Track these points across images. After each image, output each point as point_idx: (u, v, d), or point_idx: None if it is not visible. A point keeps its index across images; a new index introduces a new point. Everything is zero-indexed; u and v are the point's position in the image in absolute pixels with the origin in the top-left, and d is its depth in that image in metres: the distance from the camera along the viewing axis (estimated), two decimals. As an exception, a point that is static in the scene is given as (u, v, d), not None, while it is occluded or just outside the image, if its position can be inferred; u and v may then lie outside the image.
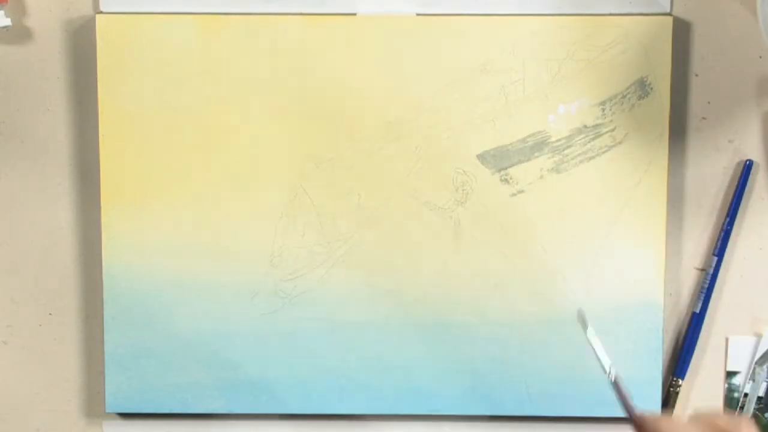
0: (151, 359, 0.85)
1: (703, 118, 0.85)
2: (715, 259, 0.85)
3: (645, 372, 0.81)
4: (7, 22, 0.82)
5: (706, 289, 0.85)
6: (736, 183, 0.85)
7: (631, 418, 0.72)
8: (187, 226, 0.84)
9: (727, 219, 0.84)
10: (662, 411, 0.85)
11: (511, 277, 0.85)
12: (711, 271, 0.85)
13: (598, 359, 0.75)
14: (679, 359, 0.86)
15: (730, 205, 0.84)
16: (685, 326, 0.86)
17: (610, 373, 0.74)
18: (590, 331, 0.75)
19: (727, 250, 0.85)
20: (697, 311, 0.85)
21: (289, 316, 0.85)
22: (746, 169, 0.84)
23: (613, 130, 0.83)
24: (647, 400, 0.85)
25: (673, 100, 0.84)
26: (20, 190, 0.86)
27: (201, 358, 0.85)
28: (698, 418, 0.71)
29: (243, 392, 0.85)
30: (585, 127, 0.83)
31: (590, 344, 0.75)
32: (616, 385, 0.73)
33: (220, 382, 0.85)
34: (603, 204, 0.83)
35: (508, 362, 0.85)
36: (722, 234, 0.85)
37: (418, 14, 0.83)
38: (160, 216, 0.84)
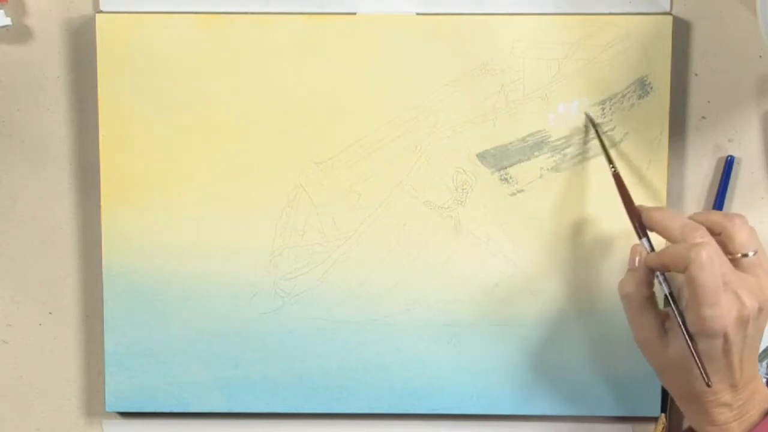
0: (151, 359, 0.85)
1: (703, 118, 0.85)
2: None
3: (646, 370, 0.81)
4: (7, 21, 0.82)
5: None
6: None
7: (630, 210, 0.80)
8: (187, 226, 0.84)
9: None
10: (663, 411, 0.85)
11: (511, 277, 0.85)
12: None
13: (606, 153, 0.82)
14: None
15: (715, 201, 0.84)
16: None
17: (613, 167, 0.81)
18: (600, 126, 0.83)
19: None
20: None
21: (288, 316, 0.85)
22: (728, 165, 0.84)
23: (612, 129, 0.83)
24: (648, 400, 0.85)
25: (673, 99, 0.84)
26: (20, 190, 0.86)
27: (201, 358, 0.85)
28: (695, 214, 0.79)
29: (243, 392, 0.85)
30: (585, 126, 0.83)
31: (600, 139, 0.82)
32: (617, 179, 0.81)
33: (220, 381, 0.85)
34: (603, 203, 0.83)
35: (508, 362, 0.85)
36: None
37: (418, 14, 0.83)
38: (160, 216, 0.84)
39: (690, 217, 0.78)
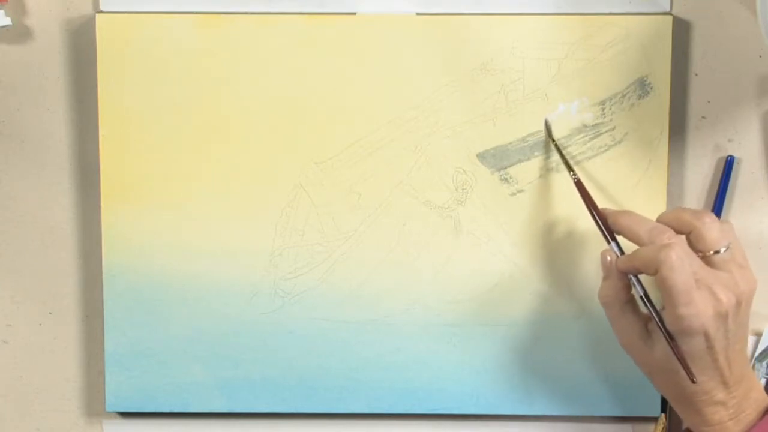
0: (151, 359, 0.85)
1: (703, 118, 0.85)
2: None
3: (645, 371, 0.81)
4: (7, 21, 0.82)
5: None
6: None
7: (594, 214, 0.79)
8: (187, 226, 0.84)
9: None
10: (663, 411, 0.85)
11: (511, 276, 0.85)
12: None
13: (564, 161, 0.82)
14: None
15: (715, 201, 0.84)
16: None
17: (574, 174, 0.81)
18: (556, 137, 0.83)
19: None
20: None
21: (288, 316, 0.85)
22: (728, 165, 0.84)
23: (612, 129, 0.83)
24: (648, 400, 0.85)
25: (673, 99, 0.84)
26: (20, 190, 0.86)
27: (201, 358, 0.85)
28: (663, 214, 0.78)
29: (243, 392, 0.85)
30: (585, 126, 0.84)
31: (556, 147, 0.83)
32: (579, 186, 0.80)
33: (220, 381, 0.85)
34: (602, 203, 0.83)
35: (508, 362, 0.85)
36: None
37: (418, 14, 0.83)
38: (160, 216, 0.84)
39: (659, 216, 0.78)
